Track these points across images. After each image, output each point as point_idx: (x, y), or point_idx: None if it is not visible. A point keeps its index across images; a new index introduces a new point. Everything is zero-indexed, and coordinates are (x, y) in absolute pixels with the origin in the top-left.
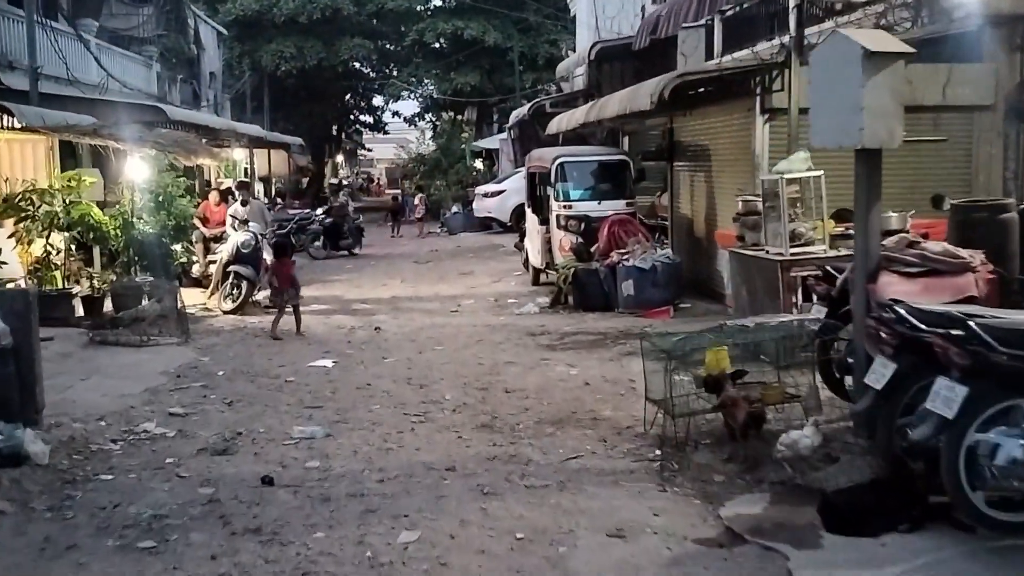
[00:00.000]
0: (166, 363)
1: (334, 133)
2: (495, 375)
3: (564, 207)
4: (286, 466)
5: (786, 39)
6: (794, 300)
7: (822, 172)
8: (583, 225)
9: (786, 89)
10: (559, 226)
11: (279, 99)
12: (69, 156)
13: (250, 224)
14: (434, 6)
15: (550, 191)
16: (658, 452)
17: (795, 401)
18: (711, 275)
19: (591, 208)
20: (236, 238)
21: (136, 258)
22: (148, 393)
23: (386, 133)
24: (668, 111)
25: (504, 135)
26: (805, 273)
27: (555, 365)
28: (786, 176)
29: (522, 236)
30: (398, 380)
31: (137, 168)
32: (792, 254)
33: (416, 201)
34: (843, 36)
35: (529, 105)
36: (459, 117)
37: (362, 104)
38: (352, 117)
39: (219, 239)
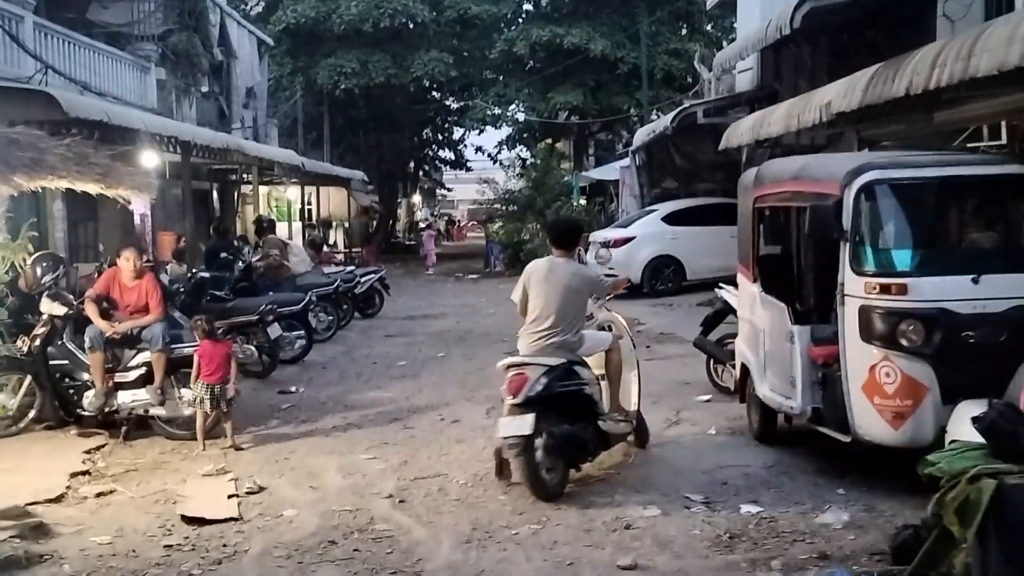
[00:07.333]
0: None
1: (410, 169)
2: None
3: (884, 288)
4: None
5: None
6: None
7: None
8: (939, 336)
9: None
10: (874, 336)
11: (342, 127)
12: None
13: None
14: (528, 11)
15: (842, 251)
16: None
17: None
18: None
19: (958, 291)
20: None
21: None
22: None
23: (469, 170)
24: None
25: (625, 162)
26: None
27: None
28: None
29: (709, 324)
30: None
31: None
32: None
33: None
34: None
35: (674, 114)
36: (556, 145)
37: (440, 137)
38: (430, 152)
39: (135, 340)
